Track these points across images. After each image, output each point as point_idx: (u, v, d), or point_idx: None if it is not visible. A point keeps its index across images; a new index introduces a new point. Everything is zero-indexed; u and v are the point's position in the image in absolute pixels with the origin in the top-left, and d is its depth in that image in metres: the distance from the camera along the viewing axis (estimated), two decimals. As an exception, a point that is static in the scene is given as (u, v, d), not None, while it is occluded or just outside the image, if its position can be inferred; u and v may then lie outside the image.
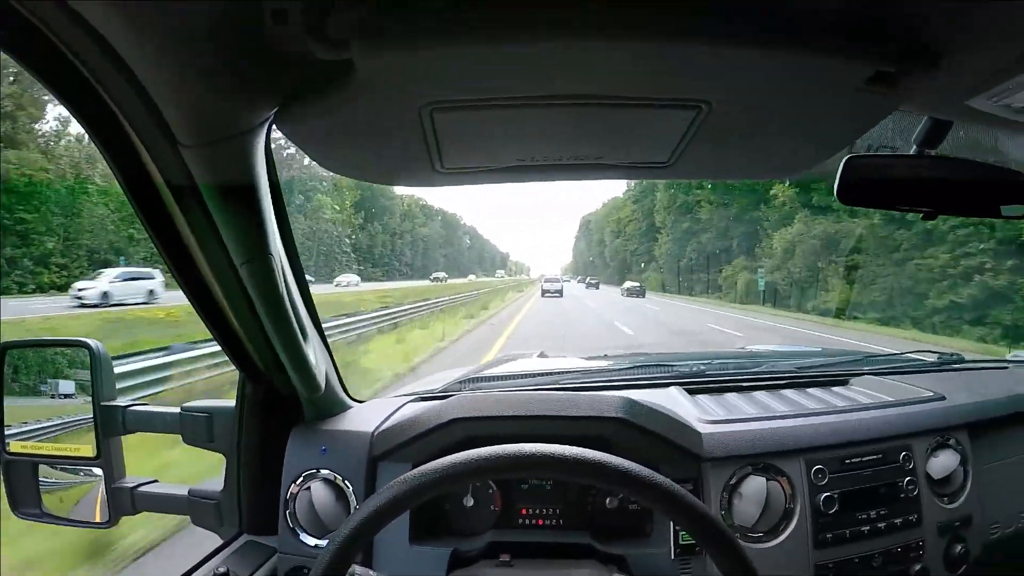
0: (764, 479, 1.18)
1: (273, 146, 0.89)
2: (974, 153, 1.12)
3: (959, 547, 1.31)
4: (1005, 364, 2.03)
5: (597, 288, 43.47)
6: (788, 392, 1.56)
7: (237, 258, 0.88)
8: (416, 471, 0.78)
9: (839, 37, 0.64)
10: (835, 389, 1.61)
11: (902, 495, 1.27)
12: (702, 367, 1.64)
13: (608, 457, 0.79)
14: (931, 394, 1.49)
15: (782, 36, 0.63)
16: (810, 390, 1.59)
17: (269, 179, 0.85)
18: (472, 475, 0.79)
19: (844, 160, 1.03)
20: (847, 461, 1.25)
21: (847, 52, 0.66)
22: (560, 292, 35.81)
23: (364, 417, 1.30)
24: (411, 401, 1.39)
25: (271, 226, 0.89)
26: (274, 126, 0.77)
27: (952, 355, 1.97)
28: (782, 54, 0.65)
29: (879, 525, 1.23)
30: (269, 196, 0.86)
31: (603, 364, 1.71)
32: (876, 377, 1.65)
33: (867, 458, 1.27)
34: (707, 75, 0.69)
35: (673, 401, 1.37)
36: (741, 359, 1.85)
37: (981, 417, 1.46)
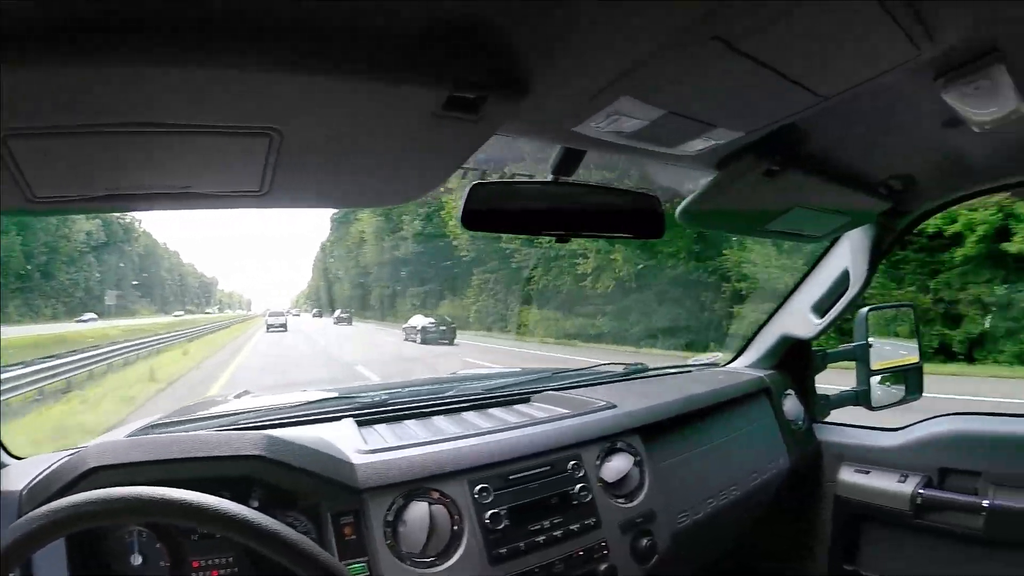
0: (427, 504, 1.20)
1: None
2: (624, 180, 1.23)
3: (645, 541, 1.45)
4: (689, 368, 2.36)
5: (349, 323, 39.26)
6: (469, 415, 1.63)
7: None
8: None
9: (409, 63, 0.68)
10: (517, 407, 1.72)
11: (575, 502, 1.37)
12: (385, 397, 1.65)
13: (199, 497, 0.78)
14: (604, 403, 1.65)
15: (350, 63, 0.65)
16: (492, 410, 1.68)
17: None
18: (69, 523, 0.75)
19: (469, 187, 1.09)
20: (511, 477, 1.32)
21: (419, 78, 0.70)
22: (284, 326, 34.22)
23: (17, 475, 1.14)
24: (72, 453, 1.20)
25: None
26: None
27: (637, 365, 2.22)
28: (351, 80, 0.68)
29: (555, 533, 1.31)
30: None
31: (296, 399, 1.64)
32: (558, 392, 1.80)
33: (534, 471, 1.35)
34: (273, 102, 0.70)
35: (338, 434, 1.35)
36: (435, 385, 1.89)
37: (652, 420, 1.64)
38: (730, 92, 0.89)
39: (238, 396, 1.85)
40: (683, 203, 1.32)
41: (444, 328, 22.18)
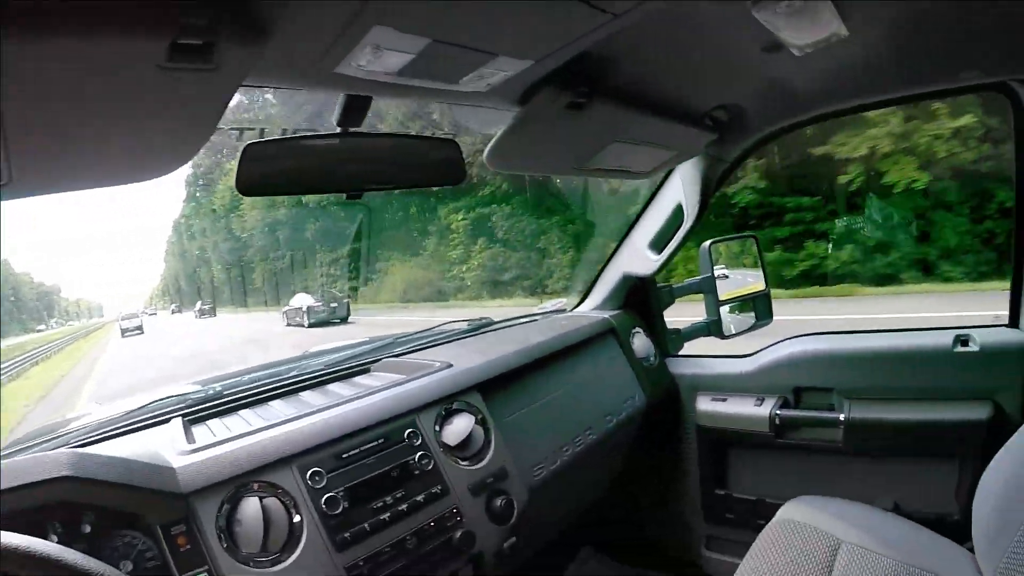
0: (257, 498, 1.12)
1: None
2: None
3: (500, 500, 1.41)
4: (535, 317, 2.35)
5: (212, 315, 36.04)
6: (306, 394, 1.55)
7: None
8: None
9: (125, 11, 0.59)
10: (356, 379, 1.65)
11: (417, 472, 1.32)
12: (219, 389, 1.53)
13: None
14: (440, 364, 1.60)
15: (60, 20, 0.56)
16: (330, 386, 1.60)
17: None
18: None
19: (242, 148, 0.99)
20: (344, 456, 1.25)
21: (137, 27, 0.61)
22: (140, 328, 32.69)
23: None
24: None
25: None
26: None
27: (482, 319, 2.20)
28: (65, 39, 0.58)
29: (400, 508, 1.25)
30: None
31: (128, 407, 1.47)
32: (397, 358, 1.73)
33: (368, 446, 1.29)
34: None
35: (163, 438, 1.24)
36: (275, 368, 1.76)
37: (491, 375, 1.61)
38: (501, 13, 0.81)
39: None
40: (489, 145, 1.25)
41: (335, 305, 19.52)
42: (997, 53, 1.45)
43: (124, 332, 32.07)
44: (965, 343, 1.83)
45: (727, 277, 2.27)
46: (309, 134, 1.06)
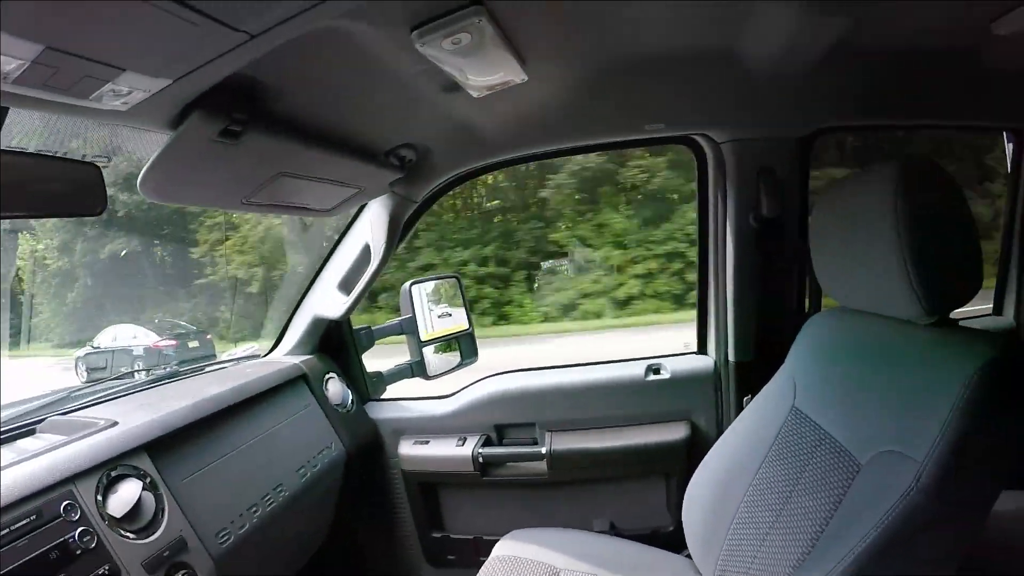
0: None
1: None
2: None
3: (181, 574, 1.29)
4: (224, 364, 2.19)
5: None
6: None
7: None
8: None
9: None
10: (19, 443, 1.40)
11: (79, 551, 1.15)
12: None
13: None
14: (103, 423, 1.42)
15: None
16: None
17: None
18: None
19: None
20: None
21: None
22: None
23: None
24: None
25: None
26: None
27: (166, 368, 2.01)
28: None
29: None
30: None
31: None
32: (65, 416, 1.51)
33: (17, 526, 1.10)
34: None
35: None
36: None
37: (159, 434, 1.45)
38: (125, 22, 0.76)
39: None
40: (141, 173, 1.14)
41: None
42: (682, 110, 1.67)
43: None
44: (657, 371, 2.08)
45: (450, 315, 2.34)
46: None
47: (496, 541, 1.79)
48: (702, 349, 2.15)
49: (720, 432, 1.78)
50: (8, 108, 0.92)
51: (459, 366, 2.33)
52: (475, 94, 1.31)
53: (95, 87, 0.86)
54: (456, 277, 2.45)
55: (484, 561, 1.71)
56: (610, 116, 1.74)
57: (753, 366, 1.98)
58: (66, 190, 1.08)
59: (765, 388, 1.53)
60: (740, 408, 1.96)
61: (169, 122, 1.07)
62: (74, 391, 1.73)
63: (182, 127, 1.06)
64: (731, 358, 2.01)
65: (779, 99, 1.66)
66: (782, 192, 1.84)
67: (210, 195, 1.46)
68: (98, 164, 1.09)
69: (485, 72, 1.21)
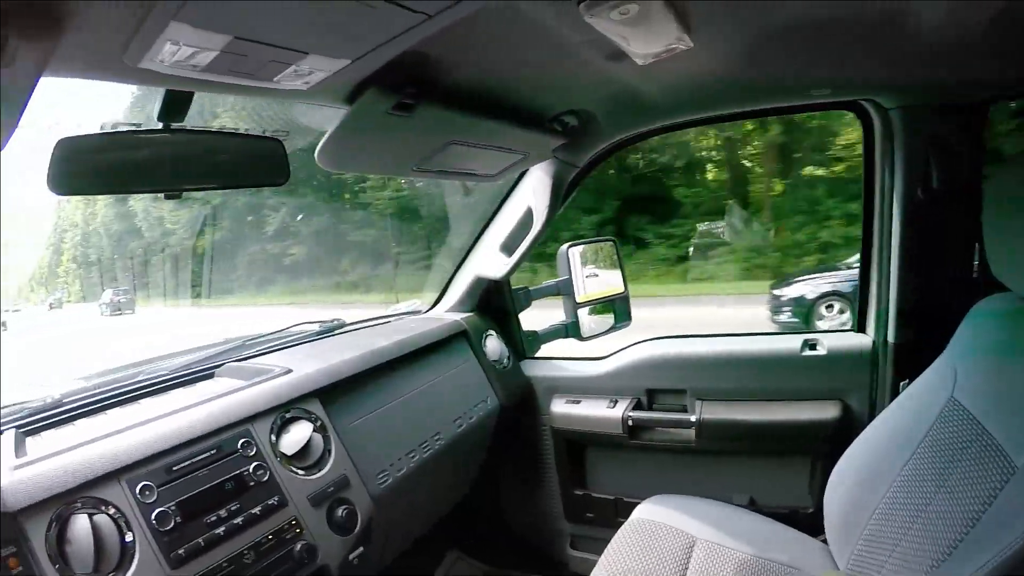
0: (87, 516, 1.07)
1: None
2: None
3: (342, 510, 1.42)
4: (388, 319, 2.35)
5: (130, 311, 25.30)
6: (147, 401, 1.50)
7: None
8: None
9: None
10: (199, 385, 1.62)
11: (252, 483, 1.30)
12: (59, 397, 1.44)
13: None
14: (278, 370, 1.59)
15: None
16: (173, 392, 1.57)
17: None
18: None
19: (55, 144, 0.95)
20: (175, 468, 1.22)
21: None
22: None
23: None
24: None
25: None
26: None
27: (334, 321, 2.18)
28: None
29: (236, 522, 1.24)
30: None
31: None
32: (241, 362, 1.71)
33: (199, 458, 1.26)
34: None
35: None
36: (121, 372, 1.69)
37: (331, 381, 1.61)
38: (307, 12, 0.82)
39: None
40: (319, 145, 1.26)
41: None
42: (849, 75, 1.59)
43: None
44: (813, 347, 2.00)
45: (596, 276, 2.35)
46: (125, 129, 1.03)
47: (636, 504, 1.82)
48: (861, 328, 2.04)
49: (872, 415, 1.69)
50: (193, 92, 1.04)
51: (612, 329, 2.35)
52: (640, 61, 1.29)
53: (279, 70, 0.95)
54: (613, 240, 2.45)
55: (622, 522, 1.74)
56: (775, 81, 1.66)
57: (913, 349, 1.86)
58: (253, 163, 1.20)
59: (923, 374, 1.46)
60: (895, 392, 1.85)
61: (346, 98, 1.16)
62: (248, 339, 1.93)
63: (358, 102, 1.14)
64: (891, 339, 1.90)
65: (950, 63, 1.50)
66: (955, 163, 1.71)
67: (383, 163, 1.59)
68: (278, 138, 1.20)
69: (651, 40, 1.19)
